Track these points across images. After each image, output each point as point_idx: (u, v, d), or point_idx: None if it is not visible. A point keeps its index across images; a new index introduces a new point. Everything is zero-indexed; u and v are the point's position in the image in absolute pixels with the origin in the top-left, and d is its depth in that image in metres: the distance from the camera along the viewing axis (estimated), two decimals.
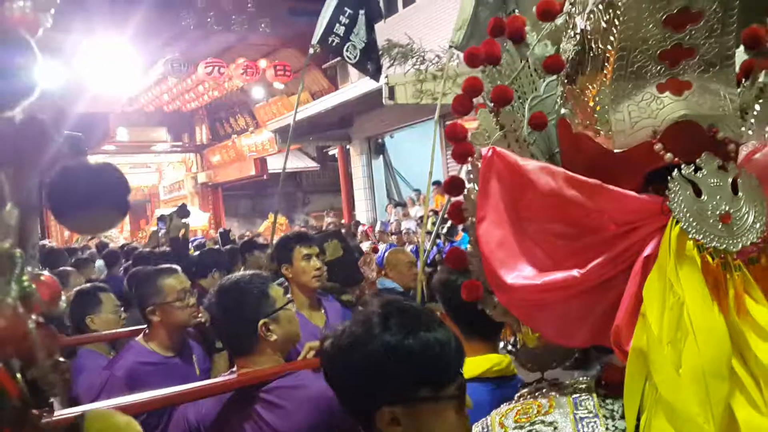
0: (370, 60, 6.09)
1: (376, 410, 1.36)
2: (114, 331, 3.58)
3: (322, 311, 3.39)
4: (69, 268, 6.23)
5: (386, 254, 4.78)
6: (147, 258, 5.95)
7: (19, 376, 0.90)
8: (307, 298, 3.38)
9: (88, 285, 4.02)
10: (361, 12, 5.92)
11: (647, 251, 1.23)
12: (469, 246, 1.45)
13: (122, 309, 3.82)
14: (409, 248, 8.48)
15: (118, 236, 18.26)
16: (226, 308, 2.18)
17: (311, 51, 6.19)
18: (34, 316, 0.90)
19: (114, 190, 0.99)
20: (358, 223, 14.29)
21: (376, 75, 6.28)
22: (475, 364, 2.15)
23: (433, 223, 9.29)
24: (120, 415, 1.11)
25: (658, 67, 1.31)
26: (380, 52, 6.44)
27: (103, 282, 4.81)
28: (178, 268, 3.23)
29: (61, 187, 0.96)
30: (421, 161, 14.84)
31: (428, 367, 1.39)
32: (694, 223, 1.19)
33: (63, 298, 1.06)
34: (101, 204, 0.98)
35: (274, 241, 3.79)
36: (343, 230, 10.73)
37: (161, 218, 11.74)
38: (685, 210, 1.20)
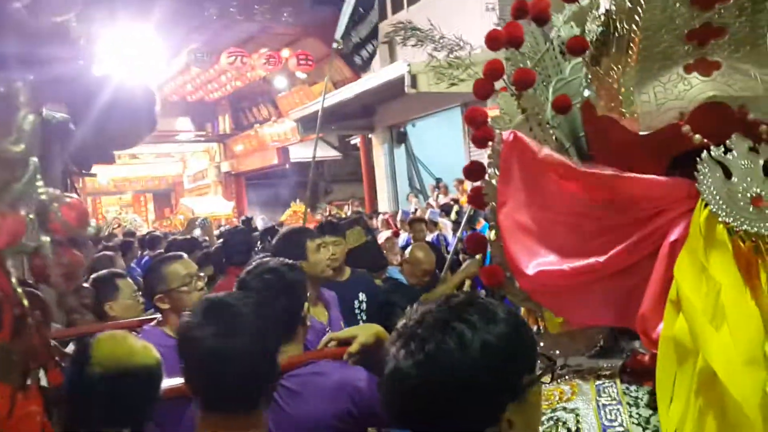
0: (358, 54, 6.18)
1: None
2: (135, 318, 3.59)
3: (321, 305, 3.28)
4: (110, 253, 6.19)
5: (411, 247, 4.71)
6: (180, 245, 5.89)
7: (20, 290, 0.89)
8: (315, 291, 3.23)
9: (105, 272, 4.02)
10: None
11: (673, 236, 1.20)
12: (489, 232, 1.42)
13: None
14: (430, 237, 8.42)
15: (142, 224, 18.47)
16: (279, 288, 2.11)
17: (334, 46, 6.25)
18: (48, 237, 0.94)
19: (146, 108, 1.19)
20: (376, 213, 14.21)
21: (363, 68, 6.35)
22: None
23: (456, 213, 9.26)
24: (136, 338, 1.05)
25: (686, 48, 1.27)
26: (374, 47, 6.50)
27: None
28: (184, 254, 3.21)
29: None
30: (443, 150, 14.77)
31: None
32: (724, 206, 1.16)
33: (93, 223, 1.08)
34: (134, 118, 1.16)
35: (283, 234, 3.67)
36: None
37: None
38: (714, 192, 1.16)
